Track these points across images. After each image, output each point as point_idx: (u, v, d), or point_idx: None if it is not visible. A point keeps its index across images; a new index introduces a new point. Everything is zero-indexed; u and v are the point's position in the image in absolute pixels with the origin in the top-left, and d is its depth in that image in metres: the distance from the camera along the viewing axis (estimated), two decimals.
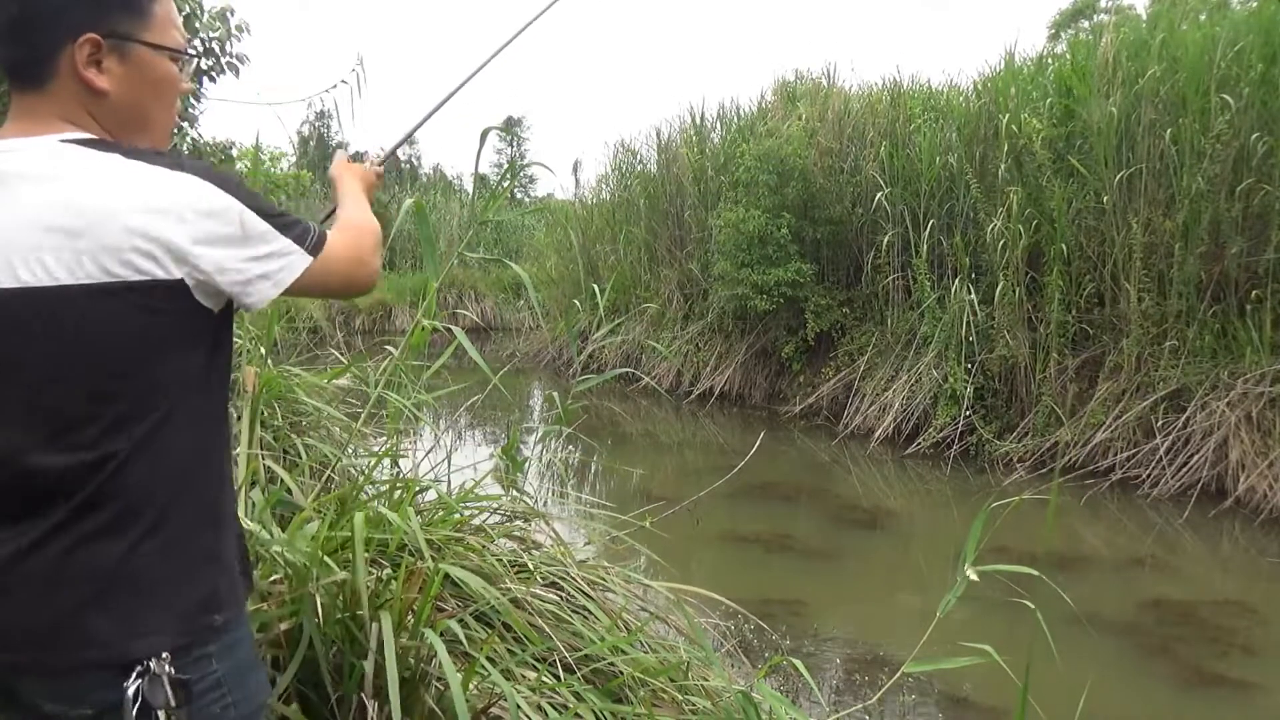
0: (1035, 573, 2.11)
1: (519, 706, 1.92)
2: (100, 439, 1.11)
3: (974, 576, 1.91)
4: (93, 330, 1.09)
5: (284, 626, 2.00)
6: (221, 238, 1.13)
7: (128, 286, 1.09)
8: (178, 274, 1.11)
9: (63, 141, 1.14)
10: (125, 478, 1.12)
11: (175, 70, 1.28)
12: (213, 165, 1.28)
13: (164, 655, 1.12)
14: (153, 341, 1.12)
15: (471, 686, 2.04)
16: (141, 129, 1.26)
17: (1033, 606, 1.96)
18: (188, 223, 1.11)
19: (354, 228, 1.40)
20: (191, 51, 1.31)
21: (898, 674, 2.16)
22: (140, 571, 1.13)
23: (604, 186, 14.64)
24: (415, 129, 2.00)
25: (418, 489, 2.78)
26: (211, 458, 1.23)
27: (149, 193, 1.11)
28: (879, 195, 9.40)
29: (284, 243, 1.20)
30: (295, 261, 1.22)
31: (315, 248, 1.24)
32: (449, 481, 2.98)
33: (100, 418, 1.11)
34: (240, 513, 1.97)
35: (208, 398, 1.21)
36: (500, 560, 2.45)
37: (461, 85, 1.97)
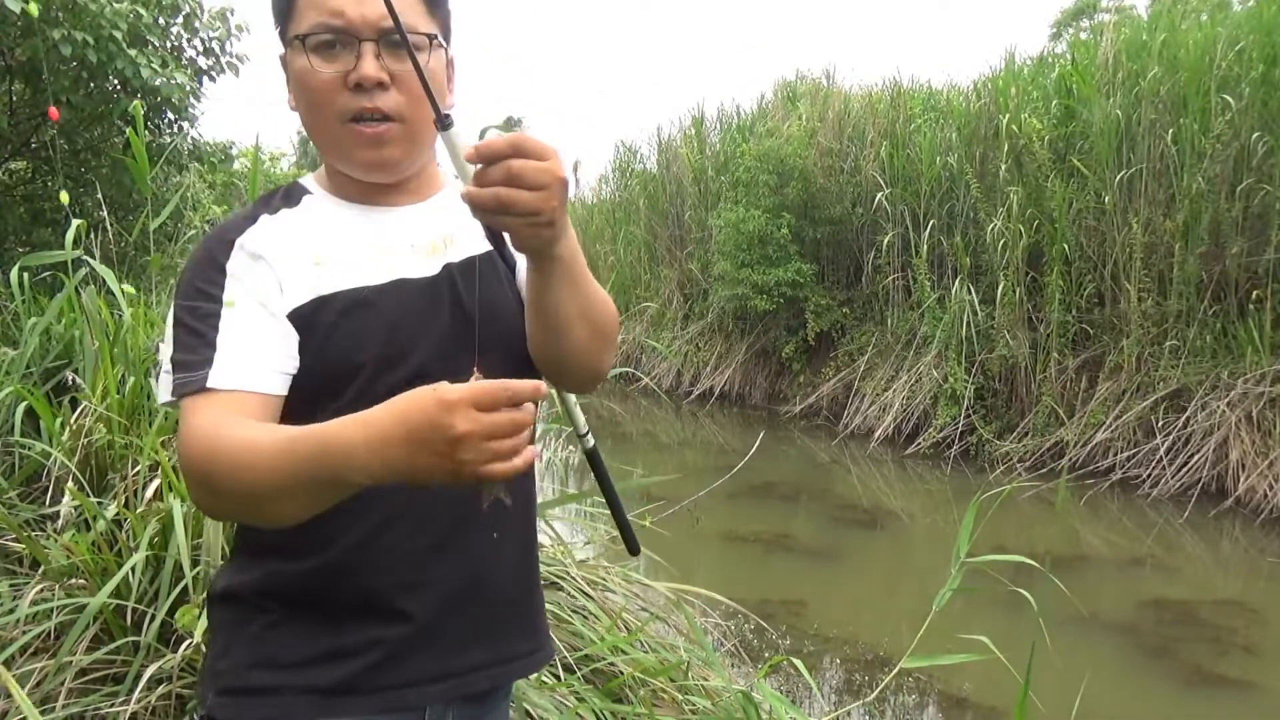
0: (1031, 562, 2.12)
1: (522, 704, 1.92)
2: None
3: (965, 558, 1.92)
4: None
5: None
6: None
7: None
8: None
9: None
10: None
11: (305, 62, 0.93)
12: (215, 223, 1.05)
13: None
14: None
15: None
16: (320, 151, 1.01)
17: (1030, 599, 1.96)
18: None
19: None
20: (321, 33, 0.93)
21: (895, 670, 2.16)
22: None
23: (604, 186, 14.66)
24: None
25: None
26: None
27: None
28: (879, 195, 9.40)
29: (168, 363, 0.95)
30: (164, 384, 0.94)
31: (180, 393, 0.92)
32: None
33: None
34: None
35: None
36: None
37: None
